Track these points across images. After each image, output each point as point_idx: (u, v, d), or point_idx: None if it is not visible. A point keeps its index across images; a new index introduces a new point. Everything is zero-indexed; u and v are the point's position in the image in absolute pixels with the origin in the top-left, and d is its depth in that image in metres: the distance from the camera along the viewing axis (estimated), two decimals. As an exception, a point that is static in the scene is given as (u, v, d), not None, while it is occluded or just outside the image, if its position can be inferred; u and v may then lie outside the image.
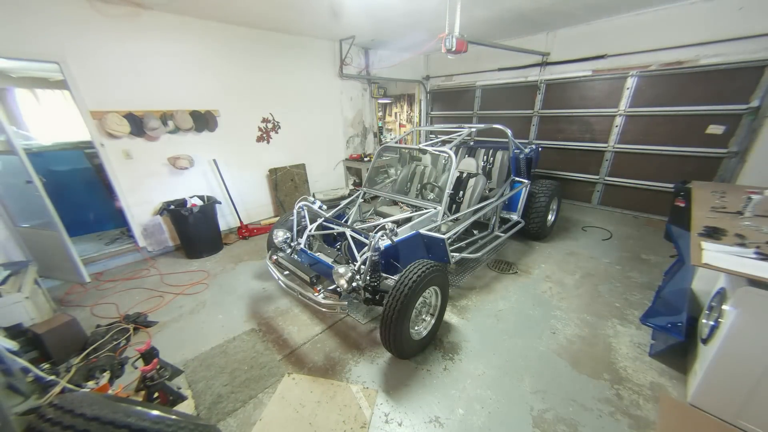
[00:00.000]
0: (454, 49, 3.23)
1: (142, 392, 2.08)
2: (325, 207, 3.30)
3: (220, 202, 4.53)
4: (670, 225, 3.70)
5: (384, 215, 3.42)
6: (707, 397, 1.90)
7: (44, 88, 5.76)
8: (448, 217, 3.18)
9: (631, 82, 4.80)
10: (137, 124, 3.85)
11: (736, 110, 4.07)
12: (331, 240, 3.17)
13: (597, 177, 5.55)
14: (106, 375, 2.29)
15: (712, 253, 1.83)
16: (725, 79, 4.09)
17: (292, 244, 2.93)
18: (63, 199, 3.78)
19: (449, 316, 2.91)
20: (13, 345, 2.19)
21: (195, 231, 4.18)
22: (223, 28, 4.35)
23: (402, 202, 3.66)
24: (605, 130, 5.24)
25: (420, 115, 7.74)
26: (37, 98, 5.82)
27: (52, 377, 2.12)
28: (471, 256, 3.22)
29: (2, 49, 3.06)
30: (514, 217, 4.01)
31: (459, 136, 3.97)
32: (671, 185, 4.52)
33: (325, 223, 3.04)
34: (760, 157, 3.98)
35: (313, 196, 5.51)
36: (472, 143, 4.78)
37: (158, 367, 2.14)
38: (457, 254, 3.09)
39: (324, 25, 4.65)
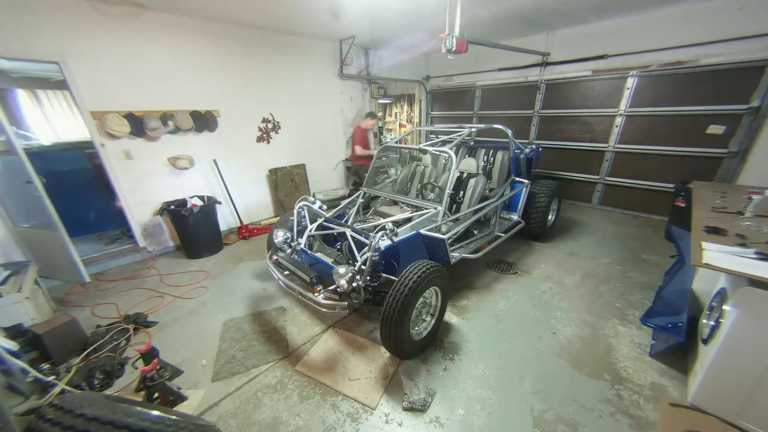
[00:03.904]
0: (454, 49, 3.23)
1: (142, 392, 2.09)
2: (325, 207, 3.30)
3: (220, 203, 4.53)
4: (671, 225, 3.71)
5: (384, 215, 3.42)
6: (708, 397, 1.90)
7: (45, 88, 5.77)
8: (448, 217, 3.18)
9: (631, 82, 4.80)
10: (137, 125, 3.85)
11: (737, 110, 4.07)
12: (331, 240, 3.16)
13: (597, 177, 5.55)
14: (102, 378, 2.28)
15: (712, 253, 1.82)
16: (725, 79, 4.08)
17: (292, 244, 2.93)
18: (63, 199, 3.78)
19: (449, 316, 2.91)
20: (13, 345, 2.19)
21: (195, 231, 4.18)
22: (223, 29, 4.35)
23: (402, 202, 3.66)
24: (605, 130, 5.24)
25: (420, 115, 7.73)
26: (38, 98, 5.82)
27: (52, 378, 2.12)
28: (471, 256, 3.22)
29: (2, 49, 3.06)
30: (515, 217, 4.01)
31: (459, 136, 3.97)
32: (671, 185, 4.52)
33: (325, 223, 3.04)
34: (761, 157, 3.98)
35: (314, 196, 5.50)
36: (472, 143, 4.77)
37: (158, 367, 2.14)
38: (458, 254, 3.09)
39: (324, 25, 4.65)
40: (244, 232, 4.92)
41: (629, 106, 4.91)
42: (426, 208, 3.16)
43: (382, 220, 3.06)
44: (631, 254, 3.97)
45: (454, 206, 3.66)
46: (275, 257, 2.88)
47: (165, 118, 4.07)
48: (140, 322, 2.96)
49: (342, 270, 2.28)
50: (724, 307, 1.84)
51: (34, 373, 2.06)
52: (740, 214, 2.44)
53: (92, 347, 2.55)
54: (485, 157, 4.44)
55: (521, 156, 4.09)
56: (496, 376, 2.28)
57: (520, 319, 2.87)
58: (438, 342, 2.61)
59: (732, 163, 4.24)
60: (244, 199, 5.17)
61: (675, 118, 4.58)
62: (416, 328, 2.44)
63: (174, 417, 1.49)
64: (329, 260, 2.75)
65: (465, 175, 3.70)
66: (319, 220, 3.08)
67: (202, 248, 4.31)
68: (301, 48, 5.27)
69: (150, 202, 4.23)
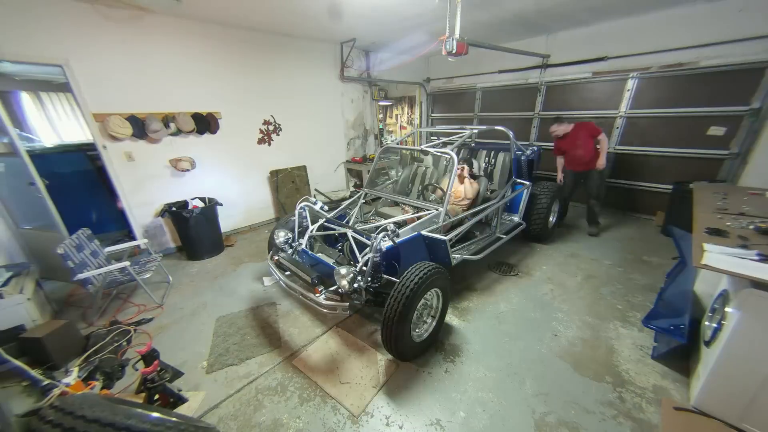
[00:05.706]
0: (454, 51, 3.24)
1: (143, 394, 2.08)
2: (326, 208, 3.31)
3: (221, 204, 4.53)
4: (671, 226, 3.70)
5: (385, 216, 3.42)
6: (711, 400, 1.89)
7: (48, 90, 5.80)
8: (449, 218, 3.17)
9: (631, 84, 4.81)
10: (139, 127, 3.87)
11: (737, 112, 4.06)
12: (332, 241, 3.16)
13: (598, 179, 5.53)
14: (101, 381, 2.28)
15: (714, 254, 1.82)
16: (726, 80, 4.09)
17: (294, 244, 2.93)
18: (65, 200, 3.79)
19: (450, 318, 2.90)
20: (13, 347, 2.19)
21: (196, 232, 4.19)
22: (225, 31, 4.37)
23: (403, 203, 3.66)
24: (606, 131, 5.23)
25: (420, 117, 7.75)
26: (41, 100, 5.86)
27: (50, 381, 2.12)
28: (473, 257, 3.22)
29: (6, 52, 3.08)
30: (516, 218, 4.00)
31: (460, 137, 3.97)
32: (672, 186, 4.51)
33: (326, 224, 3.04)
34: (762, 158, 3.97)
35: (314, 196, 5.50)
36: (473, 145, 4.78)
37: (159, 369, 2.14)
38: (459, 256, 3.08)
39: (325, 28, 4.68)
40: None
41: (629, 108, 4.91)
42: (427, 209, 3.16)
43: (383, 221, 3.06)
44: (633, 256, 3.96)
45: (455, 208, 3.65)
46: (276, 258, 2.88)
47: (167, 120, 4.08)
48: (141, 323, 2.96)
49: (343, 270, 2.28)
50: (727, 309, 1.83)
51: (34, 374, 2.06)
52: (742, 215, 2.43)
53: (93, 349, 2.55)
54: (486, 158, 4.44)
55: (522, 158, 4.10)
56: (498, 379, 2.27)
57: (522, 321, 2.86)
58: (439, 344, 2.60)
59: (733, 164, 4.23)
60: (246, 200, 5.18)
61: (675, 119, 4.58)
62: (417, 330, 2.44)
63: (174, 419, 1.49)
64: (330, 261, 2.75)
65: (466, 176, 3.70)
66: (321, 221, 3.08)
67: (203, 250, 4.31)
68: (303, 50, 5.29)
69: (151, 203, 4.24)
